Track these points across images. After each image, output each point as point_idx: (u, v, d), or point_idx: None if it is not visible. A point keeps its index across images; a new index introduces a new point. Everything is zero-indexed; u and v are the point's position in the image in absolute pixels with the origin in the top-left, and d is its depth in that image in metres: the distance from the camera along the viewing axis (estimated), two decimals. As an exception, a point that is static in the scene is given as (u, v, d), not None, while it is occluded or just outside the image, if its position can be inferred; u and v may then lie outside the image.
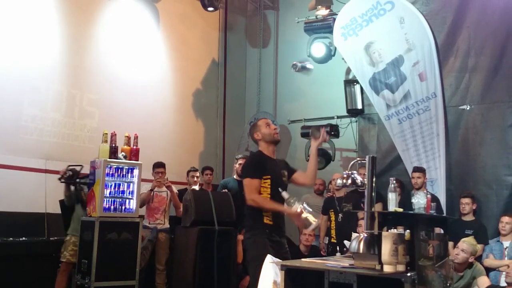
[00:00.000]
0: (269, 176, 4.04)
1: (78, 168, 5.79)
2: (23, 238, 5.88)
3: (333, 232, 6.61)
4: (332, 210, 6.66)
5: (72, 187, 5.73)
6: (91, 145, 6.67)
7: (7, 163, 5.92)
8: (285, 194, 3.94)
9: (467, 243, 4.99)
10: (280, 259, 3.83)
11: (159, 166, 6.53)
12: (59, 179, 5.72)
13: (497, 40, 6.77)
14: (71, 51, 6.82)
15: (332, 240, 6.56)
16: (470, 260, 4.99)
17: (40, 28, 6.47)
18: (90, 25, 7.11)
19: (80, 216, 5.73)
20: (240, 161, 6.97)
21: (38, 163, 6.24)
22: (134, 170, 5.90)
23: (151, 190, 6.41)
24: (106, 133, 5.88)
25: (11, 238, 5.76)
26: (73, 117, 6.77)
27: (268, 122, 4.27)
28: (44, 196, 6.22)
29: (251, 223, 4.14)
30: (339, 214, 6.51)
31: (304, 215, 3.84)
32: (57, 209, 6.08)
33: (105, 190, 5.71)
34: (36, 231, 6.10)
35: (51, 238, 6.13)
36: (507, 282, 4.88)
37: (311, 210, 3.90)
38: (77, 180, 5.75)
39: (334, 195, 6.76)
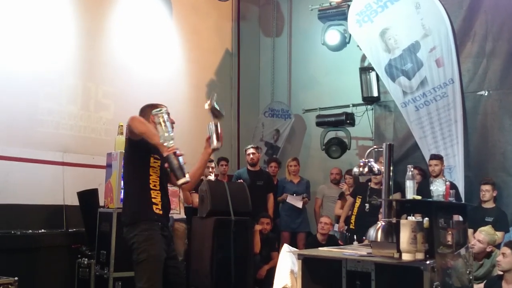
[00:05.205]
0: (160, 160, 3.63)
1: None
2: (42, 230, 5.94)
3: (353, 218, 6.49)
4: (361, 196, 6.47)
5: None
6: (107, 137, 6.69)
7: (25, 156, 5.96)
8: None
9: (484, 233, 4.89)
10: (169, 258, 3.51)
11: (170, 159, 6.52)
12: None
13: (516, 24, 6.64)
14: (85, 44, 6.83)
15: (351, 227, 6.48)
16: (488, 249, 4.90)
17: (54, 21, 6.48)
18: (103, 18, 7.11)
19: None
20: (252, 150, 6.94)
21: (55, 155, 6.28)
22: (150, 162, 5.92)
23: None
24: (122, 125, 5.89)
25: (30, 231, 5.83)
26: (88, 109, 6.80)
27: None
28: (62, 189, 6.27)
29: (138, 210, 3.55)
30: (365, 204, 6.36)
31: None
32: (75, 201, 6.13)
33: (122, 181, 5.74)
34: (55, 223, 6.16)
35: (69, 230, 6.18)
36: None
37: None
38: None
39: (370, 183, 6.49)
